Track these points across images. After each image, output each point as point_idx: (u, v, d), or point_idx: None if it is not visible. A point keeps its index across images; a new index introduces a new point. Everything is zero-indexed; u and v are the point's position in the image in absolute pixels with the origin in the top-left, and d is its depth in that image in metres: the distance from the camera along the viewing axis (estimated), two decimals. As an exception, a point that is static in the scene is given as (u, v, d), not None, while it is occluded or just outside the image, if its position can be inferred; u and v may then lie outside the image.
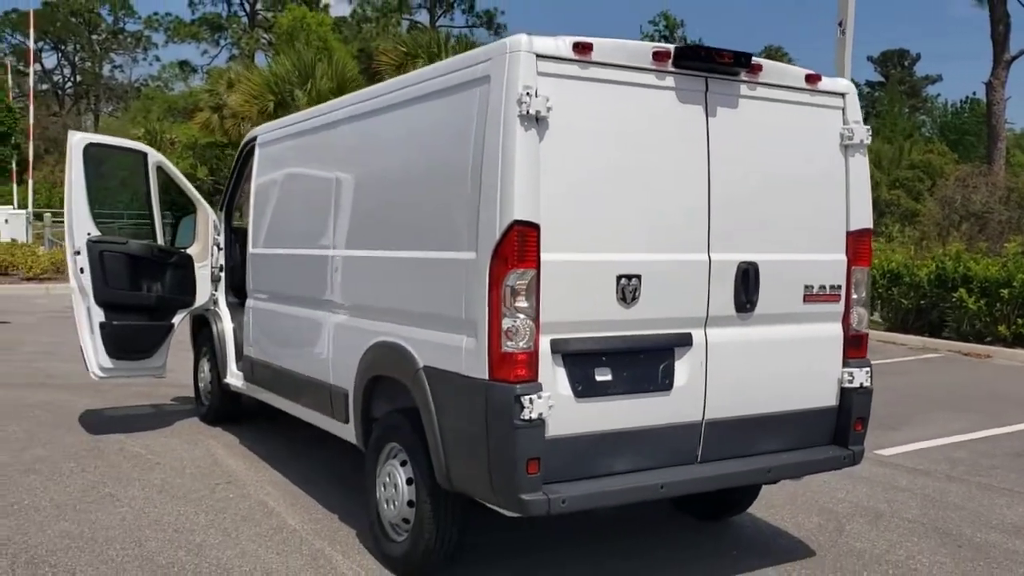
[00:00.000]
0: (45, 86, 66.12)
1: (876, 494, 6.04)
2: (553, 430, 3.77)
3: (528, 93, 3.68)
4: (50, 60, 73.27)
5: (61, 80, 75.51)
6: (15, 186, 31.35)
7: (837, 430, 4.65)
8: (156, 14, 69.01)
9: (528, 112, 3.68)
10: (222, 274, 7.46)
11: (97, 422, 7.63)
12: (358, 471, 5.05)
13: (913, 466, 6.74)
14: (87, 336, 6.86)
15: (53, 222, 25.69)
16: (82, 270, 6.75)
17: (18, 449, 6.66)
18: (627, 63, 3.99)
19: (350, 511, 5.41)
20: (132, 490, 5.78)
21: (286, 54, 23.04)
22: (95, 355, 6.87)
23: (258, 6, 61.85)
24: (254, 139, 6.88)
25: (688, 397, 4.19)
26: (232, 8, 62.79)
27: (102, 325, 6.82)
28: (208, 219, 7.40)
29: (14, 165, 27.57)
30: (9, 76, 32.48)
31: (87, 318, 6.84)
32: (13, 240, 24.65)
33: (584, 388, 3.91)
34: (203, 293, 7.34)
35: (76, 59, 75.87)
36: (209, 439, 7.16)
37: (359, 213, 5.10)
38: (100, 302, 6.81)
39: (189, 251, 7.33)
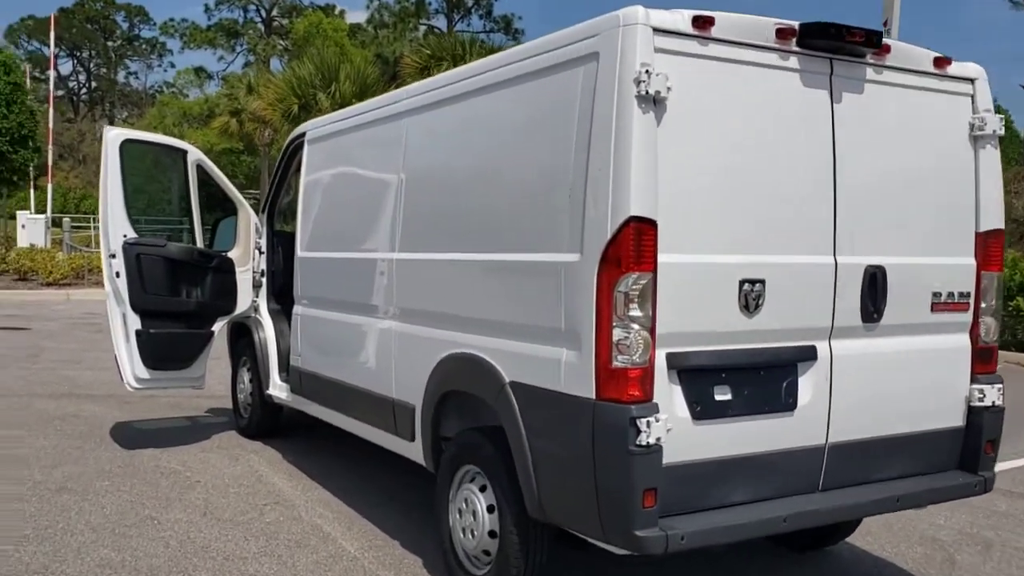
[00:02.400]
0: (60, 92, 66.12)
1: (978, 520, 5.55)
2: (669, 457, 3.31)
3: (647, 71, 3.23)
4: (65, 67, 73.46)
5: (76, 86, 75.68)
6: (32, 191, 31.15)
7: (964, 453, 4.17)
8: (172, 20, 69.02)
9: (646, 92, 3.23)
10: (263, 279, 7.03)
11: (128, 436, 7.20)
12: (417, 490, 4.64)
13: (1009, 488, 6.24)
14: (122, 344, 6.43)
15: (72, 227, 25.47)
16: (118, 274, 6.33)
17: (49, 466, 6.23)
18: (748, 40, 3.54)
19: (413, 536, 4.96)
20: (173, 512, 5.34)
21: (309, 57, 22.69)
22: (131, 365, 6.44)
23: (274, 12, 61.77)
24: (302, 135, 6.45)
25: (811, 418, 3.72)
26: (248, 14, 62.74)
27: (138, 333, 6.39)
28: (249, 221, 6.98)
29: (32, 170, 27.33)
30: (27, 81, 32.26)
31: (122, 325, 6.42)
32: (32, 245, 24.36)
33: (702, 409, 3.45)
34: (244, 299, 6.91)
35: (91, 65, 76.08)
36: (250, 454, 6.72)
37: (430, 212, 4.65)
38: (137, 308, 6.38)
39: (229, 255, 6.91)
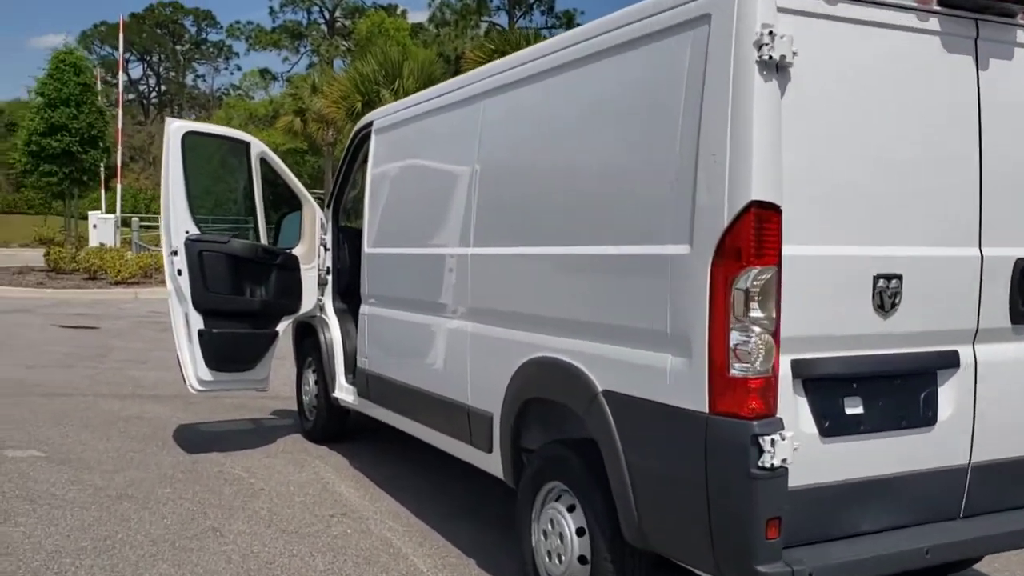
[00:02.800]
0: (131, 96, 67.64)
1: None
2: (795, 480, 2.86)
3: (769, 33, 2.79)
4: (136, 71, 75.29)
5: (146, 90, 77.44)
6: (103, 192, 31.72)
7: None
8: (238, 23, 70.30)
9: (769, 58, 2.79)
10: (329, 277, 6.74)
11: (192, 439, 6.97)
12: (494, 501, 4.26)
13: None
14: (184, 345, 6.19)
15: (140, 227, 25.75)
16: (180, 272, 6.09)
17: (111, 470, 6.01)
18: None
19: (490, 555, 4.58)
20: (236, 523, 5.05)
21: (372, 54, 22.54)
22: (193, 366, 6.19)
23: (337, 13, 62.25)
24: (369, 125, 6.12)
25: (953, 434, 3.24)
26: (312, 16, 63.33)
27: (201, 333, 6.14)
28: (315, 217, 6.69)
29: (103, 171, 27.81)
30: (98, 83, 32.89)
31: (185, 325, 6.17)
32: (102, 244, 24.71)
33: (832, 424, 3.00)
34: (310, 298, 6.62)
35: (160, 69, 77.78)
36: (316, 460, 6.43)
37: (508, 202, 4.26)
38: (199, 307, 6.13)
39: (294, 252, 6.62)
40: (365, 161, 6.10)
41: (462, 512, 5.29)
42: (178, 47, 76.62)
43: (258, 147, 6.54)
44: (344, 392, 6.42)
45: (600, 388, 3.39)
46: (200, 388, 6.26)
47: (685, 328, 2.98)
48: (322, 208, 6.83)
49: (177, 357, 6.26)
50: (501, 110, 4.36)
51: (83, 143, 23.01)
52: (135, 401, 8.29)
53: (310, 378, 7.00)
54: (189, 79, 78.08)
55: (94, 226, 26.44)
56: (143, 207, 42.04)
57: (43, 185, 23.70)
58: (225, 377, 6.33)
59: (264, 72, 68.00)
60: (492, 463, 4.32)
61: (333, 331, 6.63)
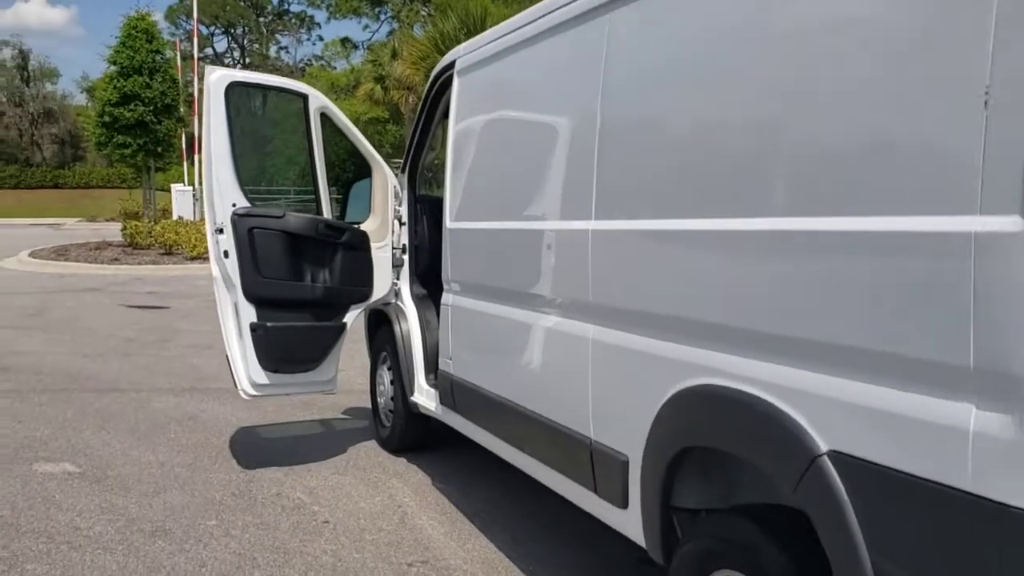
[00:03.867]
0: (216, 69, 67.89)
1: None
2: None
3: None
4: (221, 44, 75.72)
5: (231, 63, 77.88)
6: (185, 165, 31.40)
7: None
8: (319, -10, 69.57)
9: None
10: (405, 257, 5.59)
11: (249, 448, 5.95)
12: (621, 546, 3.04)
13: None
14: (235, 342, 5.13)
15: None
16: (226, 254, 5.02)
17: (150, 492, 5.01)
18: None
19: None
20: (292, 572, 3.97)
21: (453, 10, 21.27)
22: (245, 367, 5.14)
23: (417, -24, 61.08)
24: (450, 66, 4.87)
25: None
26: (391, -20, 62.29)
27: (253, 328, 5.08)
28: (387, 185, 5.53)
29: (183, 143, 27.38)
30: (178, 56, 32.52)
31: (234, 318, 5.11)
32: (180, 218, 24.26)
33: None
34: (383, 283, 5.49)
35: (244, 42, 78.14)
36: (392, 478, 5.32)
37: (653, 155, 2.97)
38: (251, 296, 5.06)
39: (363, 227, 5.49)
40: (447, 115, 4.88)
41: (580, 565, 4.09)
42: (261, 19, 76.76)
43: (318, 100, 5.38)
44: (424, 396, 5.29)
45: (825, 448, 2.12)
46: (254, 393, 5.22)
47: (1007, 360, 1.69)
48: (397, 175, 5.67)
49: (226, 356, 5.22)
50: (645, 20, 3.06)
51: (157, 113, 22.40)
52: (192, 397, 7.34)
53: (385, 376, 5.89)
54: (272, 51, 78.20)
55: (176, 199, 26.04)
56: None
57: (118, 157, 23.27)
58: (284, 380, 5.27)
59: (345, 41, 67.56)
60: (627, 523, 3.10)
61: (411, 322, 5.49)
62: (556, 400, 3.56)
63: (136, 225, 20.38)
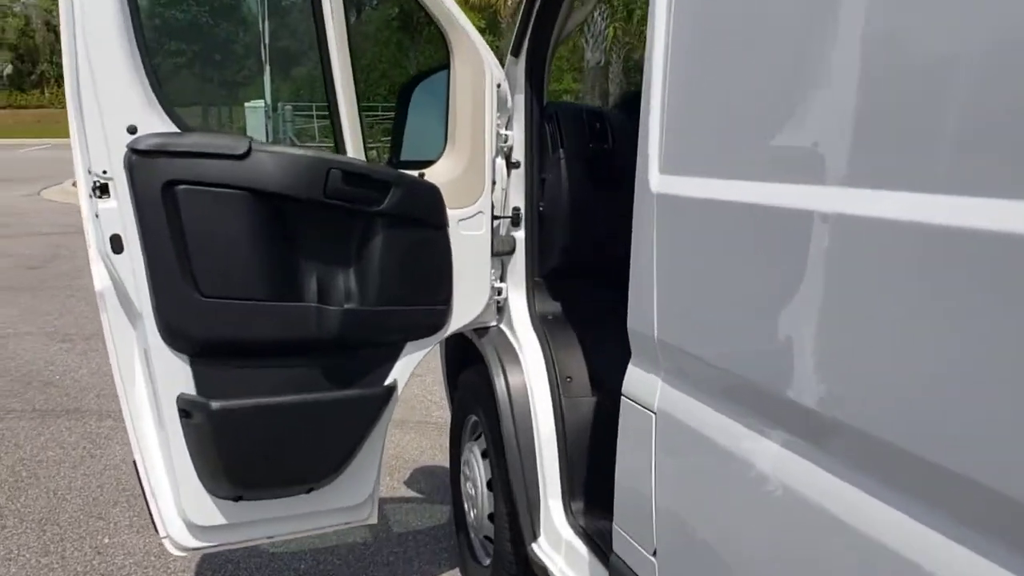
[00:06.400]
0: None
1: None
2: None
3: None
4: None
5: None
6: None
7: None
8: None
9: None
10: (521, 234, 2.67)
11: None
12: None
13: None
14: (146, 432, 2.34)
15: (294, 115, 22.54)
16: (117, 242, 2.18)
17: None
18: None
19: None
20: None
21: None
22: (174, 492, 2.35)
23: None
24: None
25: None
26: None
27: (184, 409, 2.26)
28: (485, 83, 2.56)
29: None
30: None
31: (143, 383, 2.31)
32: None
33: None
34: (473, 290, 2.59)
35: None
36: None
37: None
38: (177, 337, 2.22)
39: (432, 174, 2.55)
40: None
41: None
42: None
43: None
44: (561, 556, 2.43)
45: None
46: (193, 545, 2.41)
47: None
48: (503, 63, 2.70)
49: (134, 464, 2.40)
50: None
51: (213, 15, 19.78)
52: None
53: (478, 471, 3.02)
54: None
55: (245, 118, 23.38)
56: (306, 91, 38.79)
57: (171, 67, 20.82)
58: (256, 514, 2.45)
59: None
60: None
61: (532, 382, 2.59)
62: None
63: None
